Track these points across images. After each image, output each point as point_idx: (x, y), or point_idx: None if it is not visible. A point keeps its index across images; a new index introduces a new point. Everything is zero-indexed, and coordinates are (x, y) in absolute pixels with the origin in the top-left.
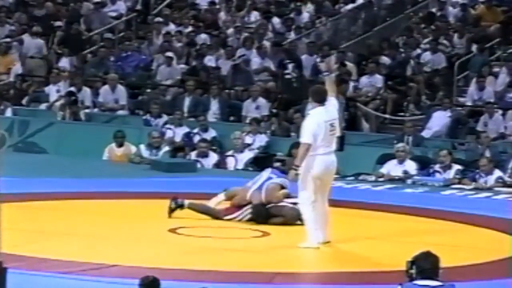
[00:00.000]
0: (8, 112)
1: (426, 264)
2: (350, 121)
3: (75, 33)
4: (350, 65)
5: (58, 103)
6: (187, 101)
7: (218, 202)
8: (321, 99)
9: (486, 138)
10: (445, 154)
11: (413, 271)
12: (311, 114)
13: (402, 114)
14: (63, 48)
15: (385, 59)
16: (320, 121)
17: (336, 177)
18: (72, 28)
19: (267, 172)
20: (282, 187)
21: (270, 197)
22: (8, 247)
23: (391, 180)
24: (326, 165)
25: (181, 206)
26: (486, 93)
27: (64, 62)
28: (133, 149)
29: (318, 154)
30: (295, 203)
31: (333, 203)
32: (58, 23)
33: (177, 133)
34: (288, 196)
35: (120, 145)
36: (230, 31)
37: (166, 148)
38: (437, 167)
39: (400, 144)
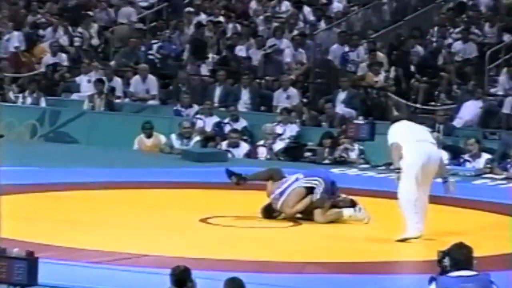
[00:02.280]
0: (42, 102)
1: (460, 256)
2: (381, 111)
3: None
4: (380, 55)
5: (87, 94)
6: (218, 91)
7: None
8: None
9: None
10: (472, 143)
11: (446, 263)
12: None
13: (433, 103)
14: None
15: (416, 49)
16: (402, 123)
17: (367, 166)
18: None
19: (296, 174)
20: (310, 189)
21: (282, 209)
22: (39, 237)
23: None
24: (428, 154)
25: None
26: None
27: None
28: (163, 139)
29: (416, 143)
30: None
31: (364, 193)
32: (89, 13)
33: (208, 123)
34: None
35: (148, 136)
36: (261, 20)
37: (197, 138)
38: (466, 156)
39: (433, 135)
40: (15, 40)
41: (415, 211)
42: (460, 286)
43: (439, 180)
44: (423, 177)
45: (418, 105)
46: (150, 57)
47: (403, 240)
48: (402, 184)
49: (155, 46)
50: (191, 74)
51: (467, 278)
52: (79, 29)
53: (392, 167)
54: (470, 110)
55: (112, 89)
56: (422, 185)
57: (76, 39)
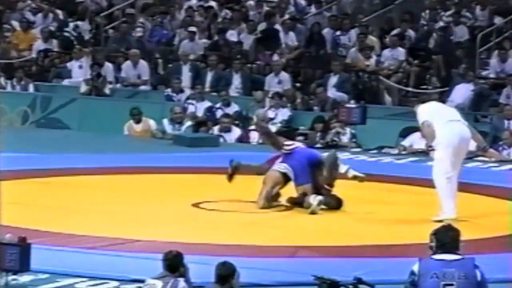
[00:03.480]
0: (30, 88)
1: (446, 238)
2: (373, 95)
3: None
4: (372, 39)
5: (79, 79)
6: (209, 76)
7: None
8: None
9: (509, 110)
10: None
11: (433, 244)
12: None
13: (424, 87)
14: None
15: (407, 32)
16: (431, 103)
17: (359, 150)
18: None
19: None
20: (285, 175)
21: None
22: (32, 223)
23: (414, 153)
24: (461, 134)
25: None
26: (509, 65)
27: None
28: (152, 124)
29: (448, 123)
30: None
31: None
32: None
33: (199, 108)
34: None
35: (137, 121)
36: (252, 5)
37: (188, 123)
38: None
39: None
40: (80, 29)
41: (451, 193)
42: (442, 270)
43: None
44: (455, 157)
45: (409, 89)
46: (66, 34)
47: (441, 221)
48: (436, 165)
49: (71, 24)
50: (266, 64)
51: (450, 263)
52: (141, 20)
53: (425, 146)
54: (462, 93)
55: (98, 75)
56: (454, 166)
57: (138, 29)
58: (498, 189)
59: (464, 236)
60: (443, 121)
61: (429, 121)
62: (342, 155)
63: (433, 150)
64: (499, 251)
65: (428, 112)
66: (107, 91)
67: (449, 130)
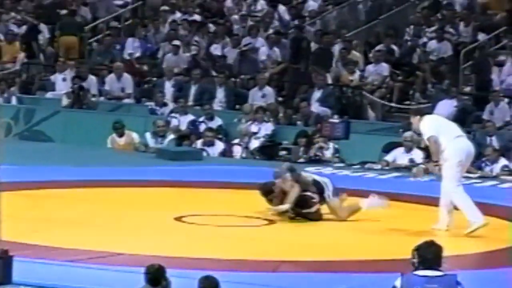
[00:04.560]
0: (13, 101)
1: (428, 254)
2: (356, 110)
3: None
4: (356, 54)
5: (62, 92)
6: (193, 90)
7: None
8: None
9: (491, 126)
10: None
11: (415, 260)
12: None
13: (408, 102)
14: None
15: (391, 48)
16: (434, 116)
17: (342, 165)
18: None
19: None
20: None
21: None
22: (14, 235)
23: (397, 168)
24: (468, 150)
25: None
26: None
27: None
28: (135, 136)
29: (455, 139)
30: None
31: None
32: (64, 12)
33: (183, 122)
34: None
35: (120, 135)
36: (236, 19)
37: (171, 137)
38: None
39: (408, 133)
40: (130, 47)
41: (468, 202)
42: (424, 286)
43: None
44: (460, 172)
45: (393, 104)
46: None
47: (473, 231)
48: (447, 181)
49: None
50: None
51: (432, 279)
52: (196, 38)
53: (433, 159)
54: (445, 109)
55: (81, 87)
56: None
57: (193, 47)
58: (480, 205)
59: (447, 251)
60: (450, 137)
61: (435, 136)
62: (325, 170)
63: (438, 165)
64: (481, 267)
65: (433, 127)
66: (90, 104)
67: (457, 146)
